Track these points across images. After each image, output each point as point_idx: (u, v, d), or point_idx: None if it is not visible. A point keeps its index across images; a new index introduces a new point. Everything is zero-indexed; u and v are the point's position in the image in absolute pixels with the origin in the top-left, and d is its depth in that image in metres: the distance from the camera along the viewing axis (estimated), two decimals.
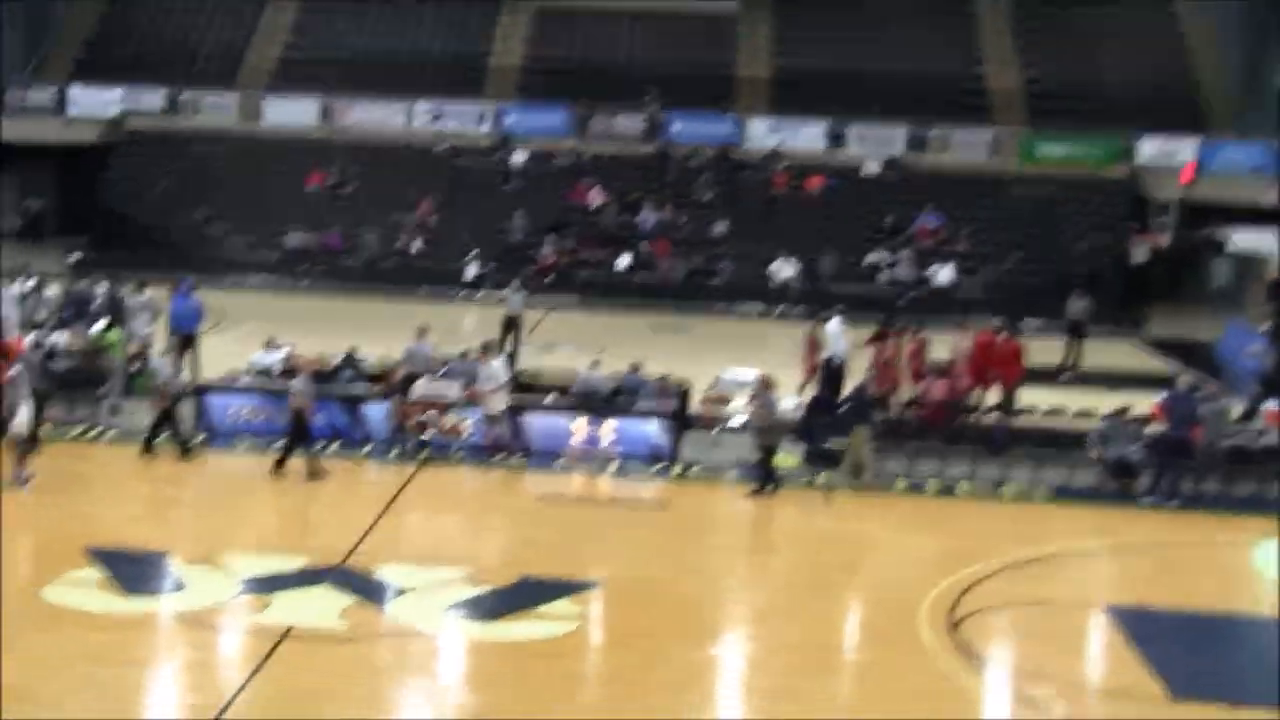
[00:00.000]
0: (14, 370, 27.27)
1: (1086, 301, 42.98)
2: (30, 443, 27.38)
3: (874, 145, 60.01)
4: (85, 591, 21.52)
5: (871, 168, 59.30)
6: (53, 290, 37.80)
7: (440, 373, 32.04)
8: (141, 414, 31.67)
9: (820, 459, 30.56)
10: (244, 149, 61.56)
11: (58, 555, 23.27)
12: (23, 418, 27.02)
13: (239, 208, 58.55)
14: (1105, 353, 42.53)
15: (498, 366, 31.17)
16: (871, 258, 54.74)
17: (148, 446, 29.87)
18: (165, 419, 30.03)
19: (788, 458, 30.19)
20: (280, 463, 28.64)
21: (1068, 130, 59.92)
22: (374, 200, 58.82)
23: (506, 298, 42.02)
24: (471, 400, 31.07)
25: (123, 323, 35.56)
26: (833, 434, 30.87)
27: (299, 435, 28.78)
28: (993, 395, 32.66)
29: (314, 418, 29.39)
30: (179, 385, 30.87)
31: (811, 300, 50.12)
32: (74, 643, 19.67)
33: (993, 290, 52.59)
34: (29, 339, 32.07)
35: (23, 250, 54.85)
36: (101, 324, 34.66)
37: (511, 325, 40.89)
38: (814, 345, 34.01)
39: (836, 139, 60.57)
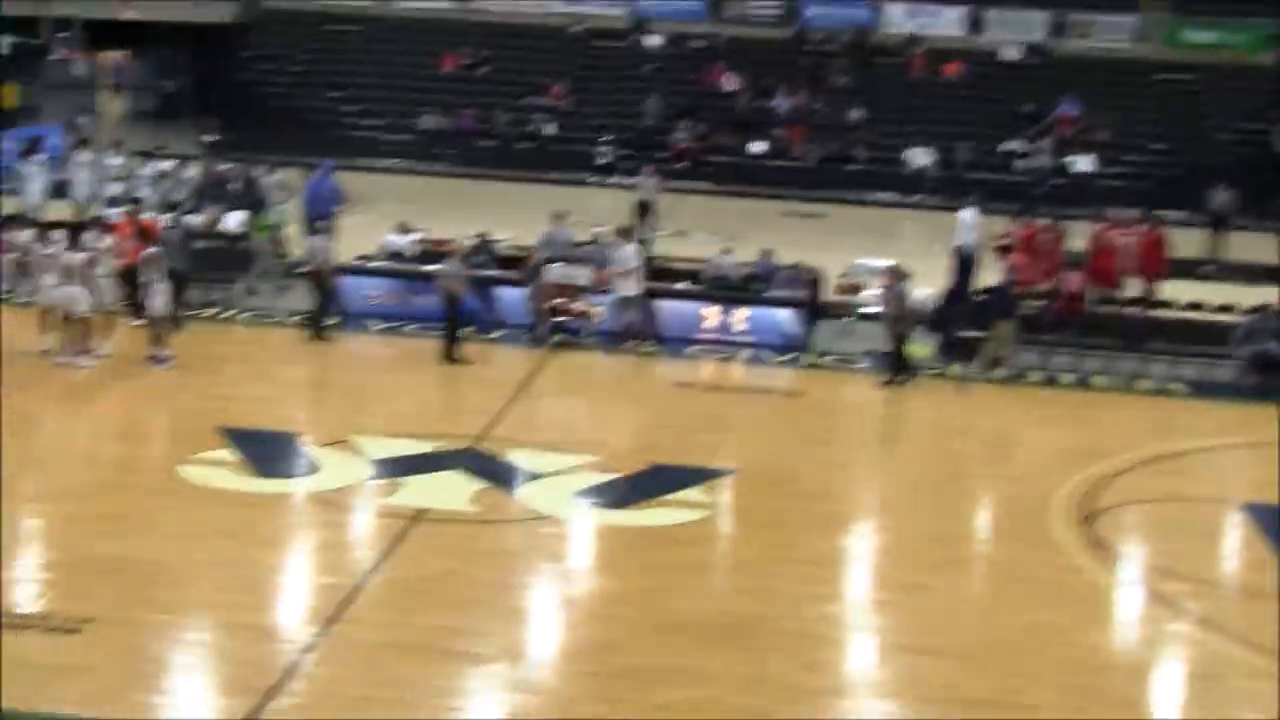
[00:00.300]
0: (151, 251, 27.43)
1: (1230, 193, 42.24)
2: (168, 323, 27.57)
3: (1014, 30, 59.18)
4: (219, 470, 21.70)
5: (1011, 53, 58.50)
6: (190, 171, 38.00)
7: (573, 257, 31.94)
8: (277, 296, 32.03)
9: (954, 350, 30.31)
10: (378, 29, 61.57)
11: (194, 434, 23.46)
12: (160, 298, 27.20)
13: (372, 89, 58.65)
14: (1249, 246, 41.78)
15: (631, 251, 30.98)
16: (1009, 146, 54.06)
17: (311, 326, 30.04)
18: (324, 299, 30.18)
19: (920, 348, 29.93)
20: (447, 348, 28.68)
21: (1215, 15, 58.71)
22: (507, 82, 58.74)
23: (639, 183, 41.81)
24: (602, 285, 30.93)
25: (261, 205, 35.82)
26: (967, 325, 30.61)
27: (452, 318, 28.75)
28: (1132, 288, 32.19)
29: (465, 301, 29.35)
30: (332, 265, 30.88)
31: (946, 189, 49.77)
32: (208, 520, 19.84)
33: (1133, 180, 51.77)
34: (165, 219, 32.29)
35: (159, 130, 55.25)
36: (243, 211, 34.90)
37: (644, 210, 40.73)
38: None
39: (975, 24, 59.79)
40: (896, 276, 29.11)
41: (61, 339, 26.96)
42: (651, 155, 50.89)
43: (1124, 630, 18.69)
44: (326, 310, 30.25)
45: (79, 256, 26.87)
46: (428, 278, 31.43)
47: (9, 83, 57.33)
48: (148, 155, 38.66)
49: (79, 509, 20.19)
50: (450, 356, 28.51)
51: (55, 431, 24.56)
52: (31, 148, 39.29)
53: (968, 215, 33.53)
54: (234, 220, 34.61)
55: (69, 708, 14.49)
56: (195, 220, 33.99)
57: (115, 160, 37.96)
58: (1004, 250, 32.07)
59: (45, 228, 28.76)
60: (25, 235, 30.41)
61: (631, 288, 30.39)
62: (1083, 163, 52.78)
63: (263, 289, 32.83)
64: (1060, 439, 26.14)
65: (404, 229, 33.77)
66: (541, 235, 32.34)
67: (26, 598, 17.30)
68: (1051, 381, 29.28)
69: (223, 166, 38.14)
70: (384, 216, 36.68)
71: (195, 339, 28.84)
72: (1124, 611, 19.29)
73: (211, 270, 32.31)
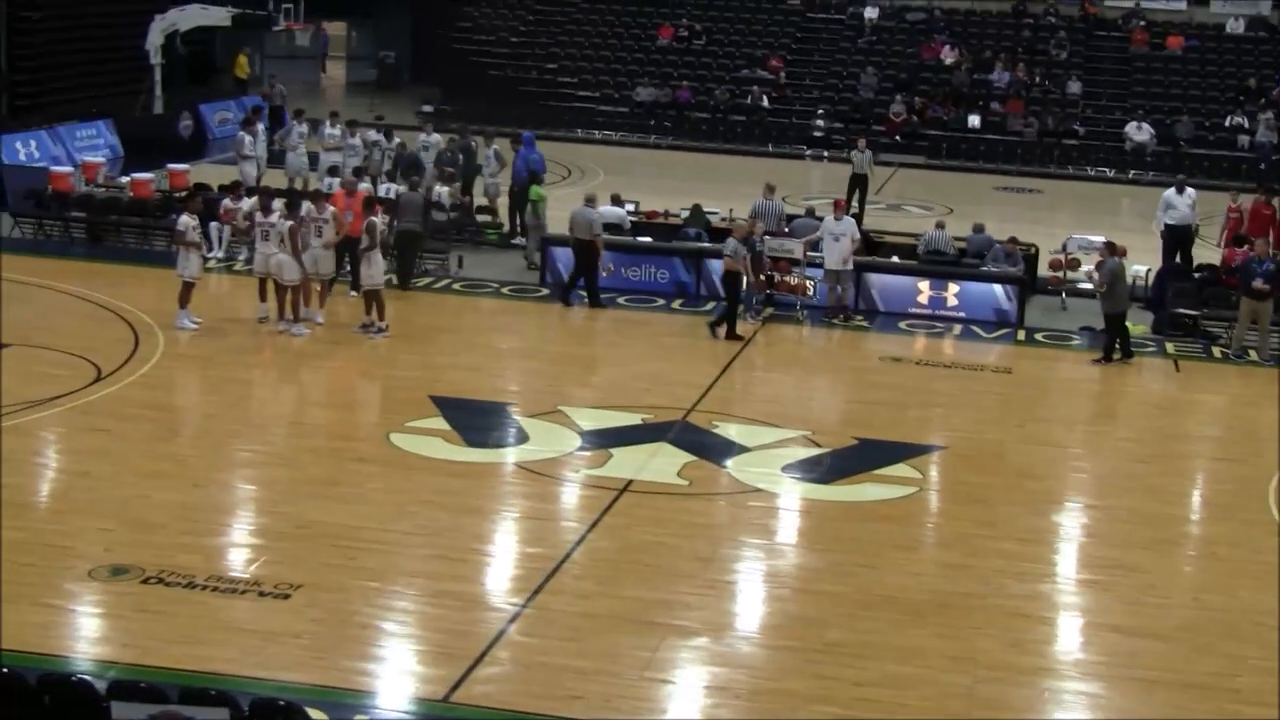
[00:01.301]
0: (370, 221, 27.68)
1: None
2: (384, 293, 27.78)
3: (1239, 3, 58.02)
4: (430, 439, 21.92)
5: (1236, 26, 57.40)
6: (397, 140, 38.33)
7: (786, 230, 31.77)
8: (485, 266, 32.34)
9: (1170, 327, 29.83)
10: (596, 1, 61.78)
11: (406, 402, 23.77)
12: (377, 269, 27.47)
13: (588, 60, 58.88)
14: None
15: (846, 224, 30.60)
16: (1231, 121, 52.98)
17: (564, 294, 30.66)
18: (585, 268, 30.55)
19: (1136, 325, 29.47)
20: (717, 325, 28.50)
21: None
22: (724, 54, 58.71)
23: (852, 156, 41.60)
24: (812, 257, 30.66)
25: (471, 173, 36.10)
26: (1185, 303, 30.13)
27: (732, 297, 28.70)
28: None
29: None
30: (601, 236, 31.05)
31: (1166, 165, 49.22)
32: (417, 488, 20.06)
33: None
34: (391, 188, 32.63)
35: (379, 100, 55.96)
36: (459, 181, 35.29)
37: (857, 184, 40.46)
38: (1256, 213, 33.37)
39: None
40: (1111, 252, 28.64)
41: (278, 307, 27.38)
42: (866, 128, 50.65)
43: None
44: (592, 280, 30.63)
45: (292, 225, 27.21)
46: (641, 249, 31.57)
47: (241, 53, 58.39)
48: (358, 125, 38.99)
49: (292, 475, 20.55)
50: (730, 334, 28.32)
51: (270, 398, 24.98)
52: (252, 117, 39.87)
53: (1170, 195, 33.25)
54: (445, 191, 34.97)
55: (278, 673, 14.73)
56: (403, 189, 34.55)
57: (332, 130, 38.36)
58: (1236, 235, 31.59)
59: (264, 196, 29.15)
60: (245, 203, 30.92)
61: (844, 262, 30.08)
62: None
63: (535, 259, 32.96)
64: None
65: (617, 200, 33.85)
66: (752, 208, 32.21)
67: (239, 563, 17.61)
68: (1273, 360, 28.64)
69: (430, 137, 38.48)
70: (598, 188, 36.80)
71: (410, 307, 29.18)
72: None
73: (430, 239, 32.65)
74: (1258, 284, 28.41)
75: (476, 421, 22.87)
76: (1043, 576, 18.56)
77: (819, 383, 27.56)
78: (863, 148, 41.39)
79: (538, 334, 29.57)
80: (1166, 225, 33.32)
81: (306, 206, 28.15)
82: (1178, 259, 32.69)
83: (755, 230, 30.33)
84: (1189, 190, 33.85)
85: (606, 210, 33.28)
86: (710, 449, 22.19)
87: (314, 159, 38.24)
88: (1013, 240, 31.77)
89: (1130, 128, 52.14)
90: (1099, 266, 29.05)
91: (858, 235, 30.64)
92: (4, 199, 35.88)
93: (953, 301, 30.68)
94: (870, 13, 59.40)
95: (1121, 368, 27.84)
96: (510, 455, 21.87)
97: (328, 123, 38.63)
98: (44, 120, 44.05)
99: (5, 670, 12.60)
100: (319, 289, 27.87)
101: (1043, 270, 32.80)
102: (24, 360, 24.33)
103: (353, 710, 14.26)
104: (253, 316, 27.68)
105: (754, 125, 54.52)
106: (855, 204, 39.39)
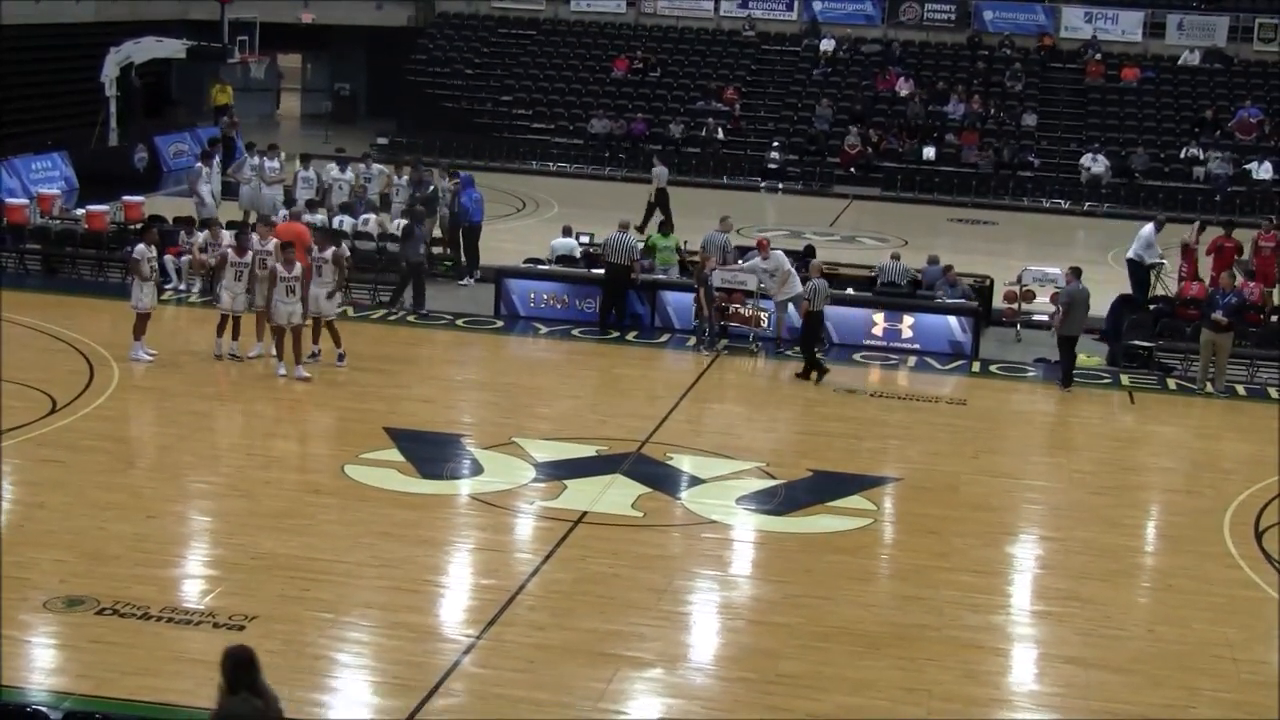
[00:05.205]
0: (330, 252, 27.60)
1: None
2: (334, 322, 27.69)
3: (1195, 35, 58.36)
4: (384, 470, 21.88)
5: (1191, 58, 57.74)
6: (349, 173, 38.31)
7: (739, 262, 31.78)
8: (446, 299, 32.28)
9: (1125, 359, 29.93)
10: (550, 33, 61.91)
11: (361, 434, 23.68)
12: (328, 298, 27.36)
13: (543, 92, 58.95)
14: None
15: (774, 259, 30.50)
16: (1186, 152, 53.25)
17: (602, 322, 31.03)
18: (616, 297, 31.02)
19: (1090, 357, 29.58)
20: (807, 369, 28.37)
21: None
22: (679, 87, 58.83)
23: (653, 174, 42.18)
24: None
25: (433, 208, 36.02)
26: (1140, 334, 30.25)
27: (811, 336, 28.49)
28: None
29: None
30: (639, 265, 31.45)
31: (1121, 196, 49.47)
32: (372, 520, 19.99)
33: None
34: (338, 220, 32.53)
35: (334, 133, 55.88)
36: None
37: (663, 198, 40.26)
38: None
39: (1155, 28, 59.02)
40: (1067, 283, 28.69)
41: (235, 340, 27.32)
42: (821, 159, 50.78)
43: None
44: (623, 305, 31.21)
45: (248, 258, 27.14)
46: (594, 281, 31.55)
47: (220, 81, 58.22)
48: (311, 158, 38.94)
49: (246, 506, 20.45)
50: (809, 374, 28.23)
51: (224, 430, 24.87)
52: (209, 149, 39.79)
53: (1149, 231, 33.27)
54: (374, 219, 35.00)
55: None
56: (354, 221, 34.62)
57: (272, 164, 38.11)
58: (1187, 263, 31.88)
59: (218, 229, 29.07)
60: (200, 237, 30.89)
61: (789, 291, 30.08)
62: (1263, 169, 51.81)
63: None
64: (1235, 451, 25.75)
65: (569, 232, 33.86)
66: (704, 240, 32.22)
67: (194, 594, 17.55)
68: (1225, 392, 28.76)
69: (371, 169, 38.50)
70: (552, 220, 36.82)
71: (365, 339, 29.08)
72: None
73: (381, 272, 32.63)
74: (1217, 316, 28.47)
75: (431, 453, 22.83)
76: (997, 608, 18.59)
77: (773, 414, 27.51)
78: (657, 162, 42.59)
79: (492, 366, 29.57)
80: (1142, 261, 33.15)
81: (254, 239, 28.07)
82: (1142, 292, 32.80)
83: (708, 264, 30.36)
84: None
85: (559, 242, 33.35)
86: (665, 481, 22.18)
87: (267, 193, 38.04)
88: (948, 268, 31.78)
89: (1086, 159, 52.45)
90: (1054, 298, 29.12)
91: (788, 265, 30.55)
92: None
93: (907, 333, 30.74)
94: (825, 45, 59.62)
95: (1076, 399, 27.90)
96: (465, 487, 21.82)
97: (266, 156, 38.24)
98: None
99: None
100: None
101: (998, 302, 32.89)
102: None
103: None
104: (209, 349, 27.58)
105: (709, 157, 54.60)
106: (648, 220, 39.56)
